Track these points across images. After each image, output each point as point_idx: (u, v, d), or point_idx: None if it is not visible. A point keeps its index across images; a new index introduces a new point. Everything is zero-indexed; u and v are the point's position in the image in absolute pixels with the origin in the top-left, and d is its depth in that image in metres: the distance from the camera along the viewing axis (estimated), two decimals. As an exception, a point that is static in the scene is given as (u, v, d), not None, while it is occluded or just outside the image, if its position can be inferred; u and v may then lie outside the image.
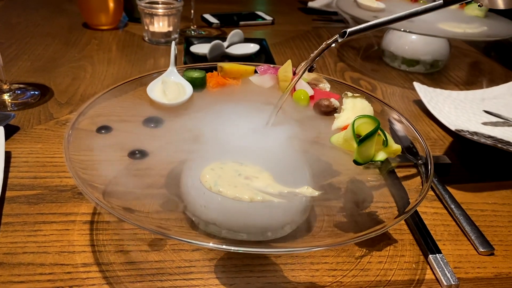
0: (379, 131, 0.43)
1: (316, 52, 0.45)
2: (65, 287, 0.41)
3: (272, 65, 0.59)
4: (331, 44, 0.44)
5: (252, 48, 0.96)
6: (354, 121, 0.43)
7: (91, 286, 0.41)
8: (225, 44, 0.95)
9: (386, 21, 0.43)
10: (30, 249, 0.44)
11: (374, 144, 0.42)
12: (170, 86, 0.51)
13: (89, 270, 0.43)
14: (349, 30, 0.43)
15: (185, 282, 0.42)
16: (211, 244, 0.32)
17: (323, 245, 0.35)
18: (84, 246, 0.45)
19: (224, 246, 0.31)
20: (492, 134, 0.70)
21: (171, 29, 1.01)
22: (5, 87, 0.71)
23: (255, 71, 0.58)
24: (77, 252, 0.44)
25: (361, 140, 0.41)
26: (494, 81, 0.93)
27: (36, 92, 0.74)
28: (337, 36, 0.43)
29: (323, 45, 0.44)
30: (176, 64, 0.57)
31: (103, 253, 0.44)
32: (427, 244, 0.48)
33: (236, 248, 0.32)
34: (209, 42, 0.92)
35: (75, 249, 0.45)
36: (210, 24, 1.16)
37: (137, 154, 0.43)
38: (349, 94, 0.50)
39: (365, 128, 0.43)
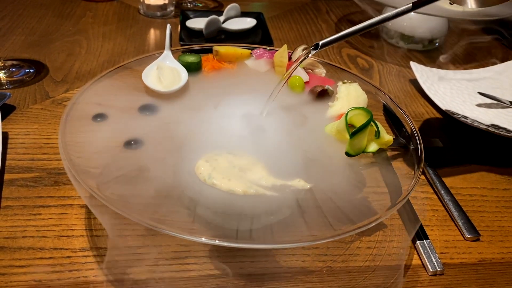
0: (371, 122, 0.43)
1: (292, 68, 0.46)
2: (64, 271, 0.42)
3: (268, 48, 0.59)
4: (305, 58, 0.46)
5: (249, 22, 0.95)
6: (347, 113, 0.44)
7: (90, 270, 0.42)
8: (222, 18, 0.93)
9: (359, 29, 0.44)
10: (29, 233, 0.46)
11: (366, 137, 0.43)
12: (165, 72, 0.51)
13: (87, 254, 0.44)
14: (321, 42, 0.45)
15: (181, 267, 0.44)
16: (203, 239, 0.33)
17: (314, 239, 0.36)
18: (82, 231, 0.46)
19: (217, 241, 0.33)
20: (485, 117, 0.70)
21: (166, 1, 1.00)
22: (0, 64, 0.71)
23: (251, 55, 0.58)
24: (76, 237, 0.46)
25: (353, 133, 0.42)
26: (491, 60, 0.92)
27: (32, 70, 0.73)
28: (309, 49, 0.45)
29: (297, 61, 0.47)
30: (171, 46, 0.57)
31: (101, 238, 0.46)
32: (415, 230, 0.49)
33: (228, 244, 0.33)
34: (206, 16, 0.91)
35: (73, 234, 0.46)
36: (206, -5, 1.14)
37: (132, 143, 0.43)
38: (344, 80, 0.51)
39: (358, 119, 0.44)
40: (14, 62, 0.75)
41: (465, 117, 0.67)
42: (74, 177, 0.38)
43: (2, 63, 0.71)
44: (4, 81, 0.70)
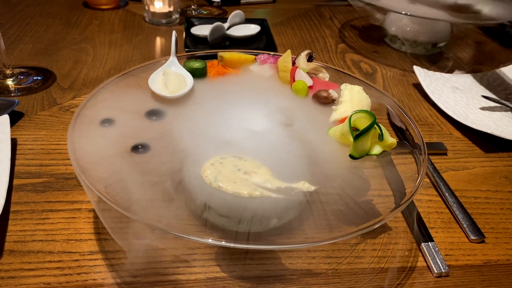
0: (374, 125, 0.44)
1: None
2: (73, 274, 0.43)
3: (272, 54, 0.60)
4: None
5: (253, 29, 0.96)
6: (351, 116, 0.44)
7: (98, 273, 0.43)
8: (226, 25, 0.94)
9: None
10: (38, 237, 0.46)
11: (370, 139, 0.43)
12: (171, 77, 0.52)
13: (95, 257, 0.45)
14: None
15: (187, 269, 0.44)
16: (210, 240, 0.34)
17: (320, 241, 0.37)
18: (90, 234, 0.47)
19: (223, 243, 0.33)
20: (489, 120, 0.71)
21: (171, 9, 1.01)
22: (8, 72, 0.72)
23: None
24: (84, 240, 0.46)
25: (357, 135, 0.42)
26: (495, 63, 0.93)
27: (39, 77, 0.75)
28: None
29: None
30: (177, 52, 0.58)
31: (109, 241, 0.46)
32: (420, 232, 0.50)
33: (234, 245, 0.33)
34: (210, 22, 0.92)
35: (81, 237, 0.47)
36: (211, 2, 1.15)
37: (139, 148, 0.44)
38: (348, 85, 0.51)
39: (362, 122, 0.44)
40: (22, 70, 0.76)
41: (469, 121, 0.68)
42: (84, 181, 0.38)
43: (10, 70, 0.73)
44: (13, 89, 0.71)
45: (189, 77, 0.54)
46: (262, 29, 0.97)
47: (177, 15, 1.03)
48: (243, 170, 0.41)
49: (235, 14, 0.97)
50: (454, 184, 0.58)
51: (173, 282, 0.43)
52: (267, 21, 1.02)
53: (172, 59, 0.56)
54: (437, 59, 0.95)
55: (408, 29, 0.95)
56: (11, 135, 0.57)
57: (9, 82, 0.72)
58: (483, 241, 0.50)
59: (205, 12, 1.11)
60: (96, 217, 0.49)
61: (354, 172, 0.49)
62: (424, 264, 0.47)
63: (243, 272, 0.44)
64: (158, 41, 0.94)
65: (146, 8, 1.00)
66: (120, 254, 0.45)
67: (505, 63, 0.89)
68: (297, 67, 0.55)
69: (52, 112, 0.67)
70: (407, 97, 0.79)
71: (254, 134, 0.47)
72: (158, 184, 0.42)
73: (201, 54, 0.59)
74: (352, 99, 0.50)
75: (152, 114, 0.49)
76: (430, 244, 0.48)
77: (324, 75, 0.57)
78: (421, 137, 0.49)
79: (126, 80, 0.53)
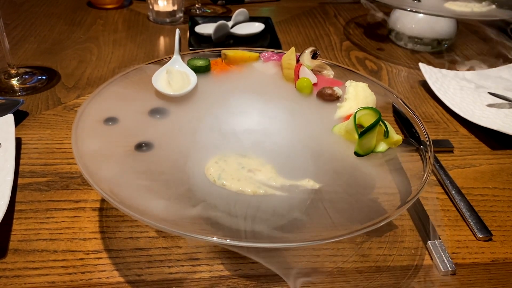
0: (380, 122, 0.43)
1: None
2: (77, 273, 0.43)
3: (275, 51, 0.59)
4: None
5: (257, 27, 0.96)
6: (355, 113, 0.44)
7: (102, 272, 0.43)
8: (230, 23, 0.94)
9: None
10: (43, 236, 0.46)
11: (375, 136, 0.43)
12: (174, 76, 0.51)
13: (100, 256, 0.44)
14: None
15: (192, 268, 0.44)
16: (215, 239, 0.33)
17: (325, 239, 0.36)
18: (95, 233, 0.47)
19: (228, 241, 0.33)
20: (496, 117, 0.70)
21: (175, 8, 1.01)
22: (13, 71, 0.72)
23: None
24: (88, 239, 0.46)
25: (362, 133, 0.42)
26: (501, 60, 0.92)
27: (44, 77, 0.75)
28: None
29: None
30: (180, 50, 0.58)
31: (113, 240, 0.46)
32: (426, 230, 0.49)
33: (239, 243, 0.33)
34: (214, 21, 0.92)
35: (86, 236, 0.47)
36: (215, 1, 1.15)
37: (143, 146, 0.44)
38: (353, 82, 0.51)
39: (367, 119, 0.44)
40: (27, 70, 0.76)
41: (476, 118, 0.67)
42: (88, 180, 0.38)
43: (15, 70, 0.73)
44: (17, 88, 0.71)
45: (192, 75, 0.53)
46: (266, 27, 0.97)
47: (181, 14, 1.02)
48: (247, 168, 0.40)
49: (239, 13, 0.97)
50: (461, 181, 0.58)
51: (177, 280, 0.43)
52: (271, 19, 1.01)
53: (176, 57, 0.56)
54: (443, 55, 0.94)
55: (413, 26, 0.95)
56: (16, 134, 0.57)
57: (14, 81, 0.72)
58: (490, 239, 0.50)
59: (209, 11, 1.11)
60: (100, 215, 0.49)
61: (359, 169, 0.48)
62: (431, 262, 0.46)
63: (248, 271, 0.44)
64: (162, 40, 0.94)
65: (150, 7, 1.00)
66: (124, 253, 0.45)
67: (511, 60, 0.88)
68: (301, 64, 0.55)
69: (57, 111, 0.67)
70: (412, 95, 0.79)
71: (258, 131, 0.47)
72: (162, 183, 0.42)
73: (204, 52, 0.59)
74: (357, 96, 0.49)
75: (156, 112, 0.48)
76: (437, 242, 0.48)
77: (329, 72, 0.56)
78: (427, 134, 0.49)
79: (130, 78, 0.53)
